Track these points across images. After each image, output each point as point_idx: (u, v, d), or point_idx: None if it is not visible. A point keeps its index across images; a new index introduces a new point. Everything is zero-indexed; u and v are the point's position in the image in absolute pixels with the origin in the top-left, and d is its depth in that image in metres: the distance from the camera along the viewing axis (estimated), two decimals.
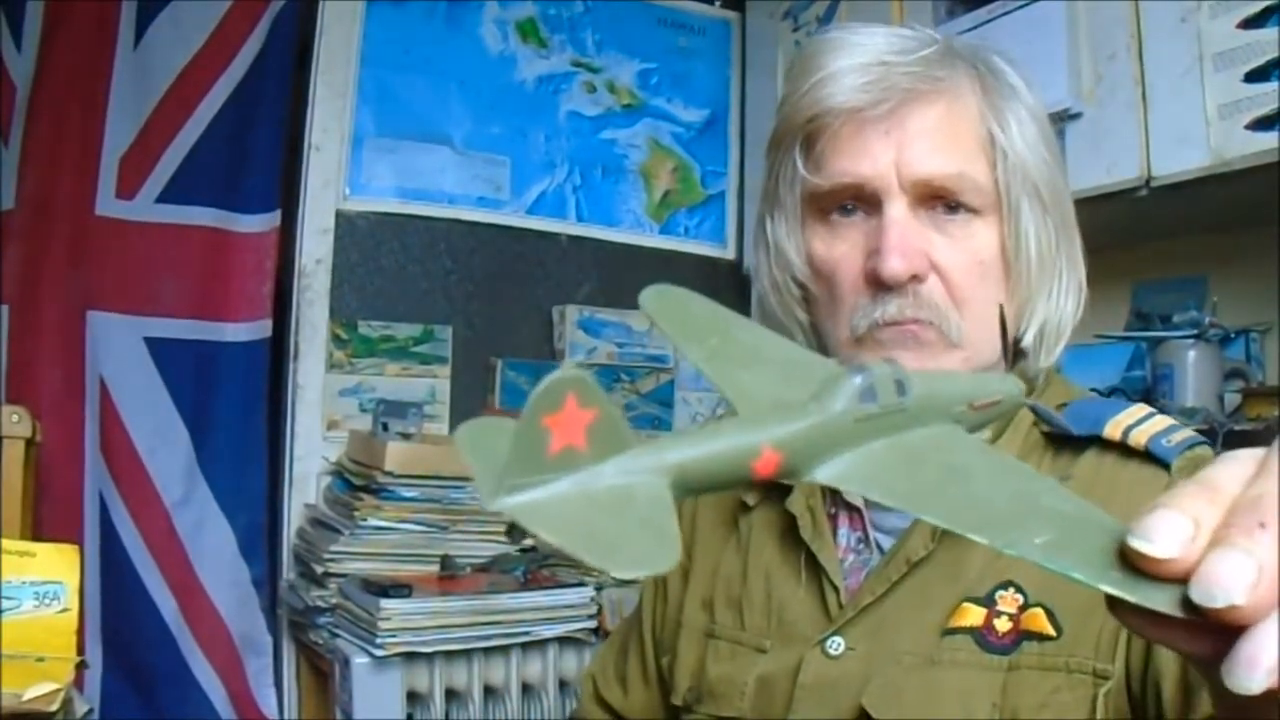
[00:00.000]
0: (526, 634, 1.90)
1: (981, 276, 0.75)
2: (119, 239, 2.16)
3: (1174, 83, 1.56)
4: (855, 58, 0.74)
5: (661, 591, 0.95)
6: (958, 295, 0.74)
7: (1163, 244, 1.87)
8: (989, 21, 1.84)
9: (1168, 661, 0.65)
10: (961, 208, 0.74)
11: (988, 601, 0.72)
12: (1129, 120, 1.62)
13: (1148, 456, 0.72)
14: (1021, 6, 1.78)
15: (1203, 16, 1.52)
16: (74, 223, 2.13)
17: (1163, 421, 0.74)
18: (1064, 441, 0.76)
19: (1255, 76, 1.44)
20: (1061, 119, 1.71)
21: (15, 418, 1.60)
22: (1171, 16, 1.56)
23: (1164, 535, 0.32)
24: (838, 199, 0.77)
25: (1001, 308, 0.66)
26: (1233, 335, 1.71)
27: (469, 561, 2.05)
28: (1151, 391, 1.70)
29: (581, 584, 1.96)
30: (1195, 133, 1.52)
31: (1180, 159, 1.55)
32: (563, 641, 1.95)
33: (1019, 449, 0.77)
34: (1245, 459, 0.34)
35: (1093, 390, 1.72)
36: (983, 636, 0.71)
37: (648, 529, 0.32)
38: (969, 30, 1.87)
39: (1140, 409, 0.76)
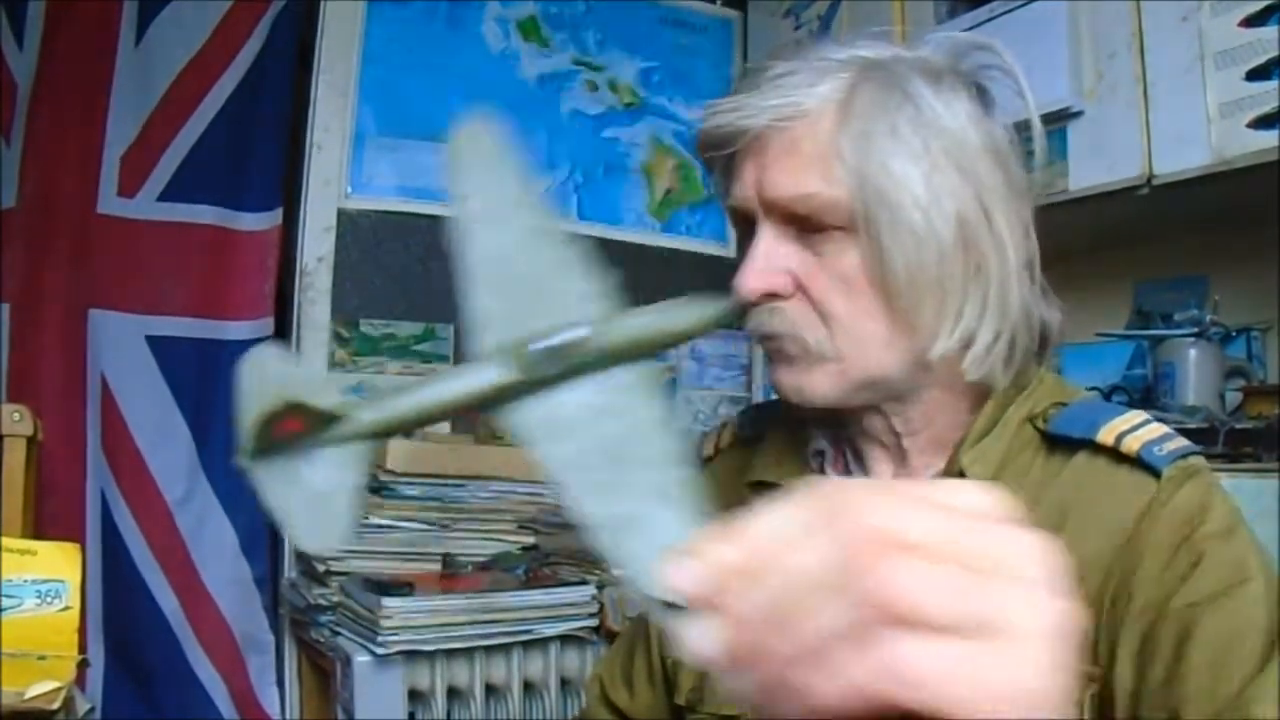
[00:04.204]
0: (528, 632, 1.90)
1: (846, 293, 0.75)
2: (120, 237, 2.16)
3: (1175, 81, 1.56)
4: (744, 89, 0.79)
5: None
6: (822, 311, 0.76)
7: (1164, 242, 1.87)
8: (989, 20, 1.84)
9: (1120, 672, 0.68)
10: (827, 226, 0.75)
11: None
12: (1130, 119, 1.62)
13: (1139, 464, 0.72)
14: (1022, 5, 1.78)
15: (1204, 15, 1.51)
16: (75, 221, 2.13)
17: (1158, 429, 0.75)
18: (1057, 442, 0.76)
19: (1256, 75, 1.44)
20: (1062, 118, 1.70)
21: (17, 416, 1.60)
22: (1172, 15, 1.56)
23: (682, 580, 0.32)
24: (739, 219, 0.81)
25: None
26: (1234, 334, 1.71)
27: (470, 560, 2.05)
28: (1153, 390, 1.70)
29: (583, 582, 1.96)
30: (1196, 131, 1.52)
31: (1181, 158, 1.55)
32: (564, 640, 1.94)
33: (1007, 446, 0.77)
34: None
35: (1093, 389, 1.72)
36: None
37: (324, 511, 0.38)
38: (969, 29, 1.86)
39: (1136, 415, 0.76)
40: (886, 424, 0.81)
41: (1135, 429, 0.74)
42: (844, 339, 0.76)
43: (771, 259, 0.76)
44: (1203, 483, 0.72)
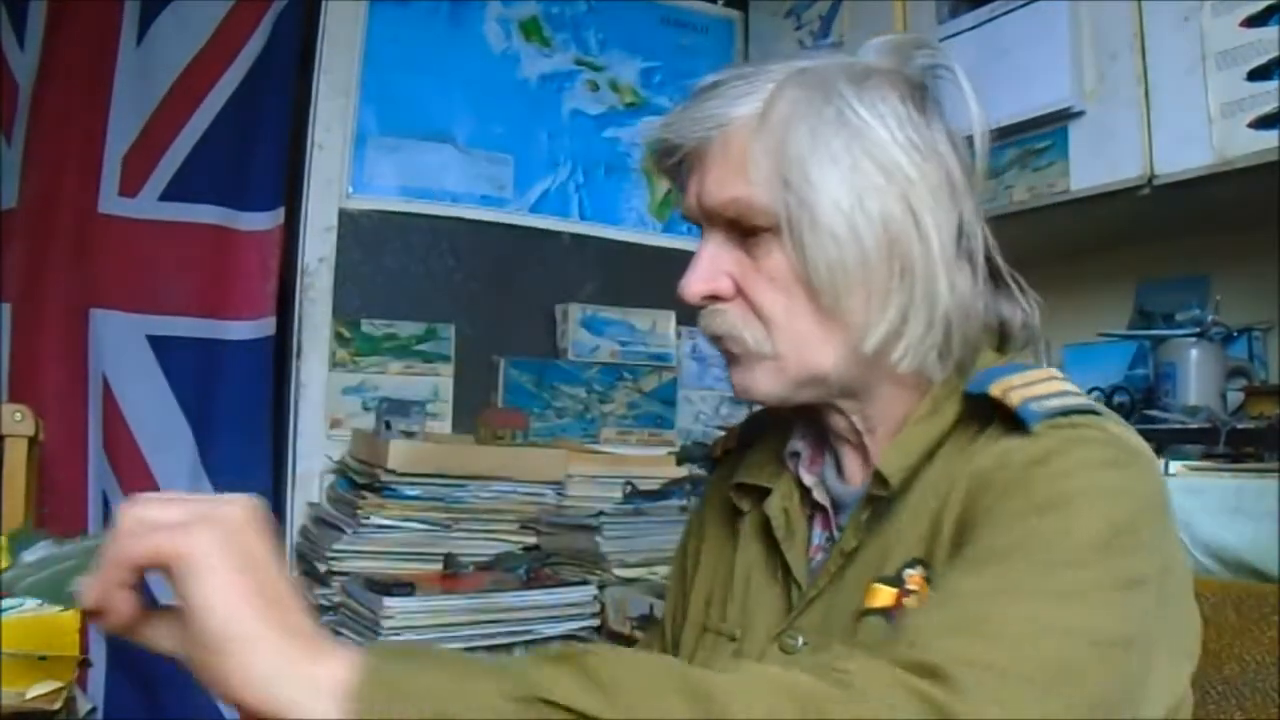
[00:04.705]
0: (529, 632, 1.90)
1: (777, 293, 0.78)
2: (122, 237, 2.16)
3: (1176, 81, 1.56)
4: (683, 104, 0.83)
5: (679, 591, 1.00)
6: (760, 312, 0.78)
7: (1165, 242, 1.87)
8: (990, 20, 1.84)
9: None
10: (757, 229, 0.77)
11: (897, 581, 0.74)
12: (1131, 119, 1.62)
13: (1015, 419, 0.71)
14: (1023, 5, 1.78)
15: (1205, 15, 1.51)
16: (77, 221, 2.13)
17: (1050, 387, 0.73)
18: (988, 420, 0.75)
19: (1257, 75, 1.44)
20: (1063, 118, 1.71)
21: (18, 416, 1.60)
22: (1174, 15, 1.56)
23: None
24: (696, 227, 0.85)
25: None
26: (1235, 334, 1.71)
27: (472, 560, 2.05)
28: (1154, 390, 1.70)
29: (584, 582, 1.96)
30: (1198, 131, 1.52)
31: (1183, 158, 1.55)
32: (565, 640, 1.94)
33: (942, 432, 0.78)
34: None
35: (1094, 389, 1.72)
36: (894, 617, 0.74)
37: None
38: (970, 29, 1.86)
39: (1039, 374, 0.75)
40: (848, 423, 0.83)
41: (1028, 385, 0.73)
42: (780, 337, 0.78)
43: (714, 263, 0.80)
44: (1070, 435, 0.69)
